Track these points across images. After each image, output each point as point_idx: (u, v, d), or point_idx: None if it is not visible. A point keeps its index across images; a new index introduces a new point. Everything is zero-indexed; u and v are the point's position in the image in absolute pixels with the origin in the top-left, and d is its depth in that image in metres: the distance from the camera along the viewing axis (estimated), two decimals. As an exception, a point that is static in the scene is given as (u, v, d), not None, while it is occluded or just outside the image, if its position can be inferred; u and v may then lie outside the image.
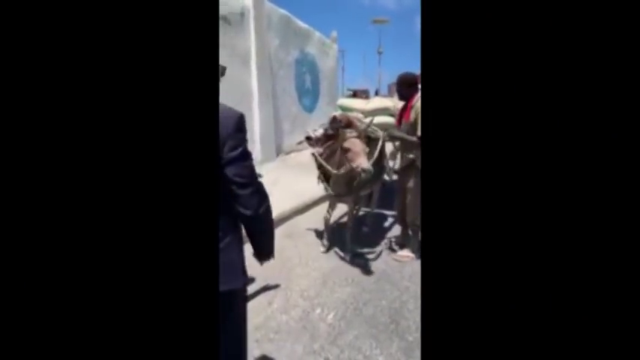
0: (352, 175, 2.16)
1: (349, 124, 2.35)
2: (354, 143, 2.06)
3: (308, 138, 2.47)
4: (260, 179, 0.90)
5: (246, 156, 0.85)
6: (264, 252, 0.99)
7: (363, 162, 1.97)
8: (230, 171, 0.81)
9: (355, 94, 4.38)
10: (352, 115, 2.58)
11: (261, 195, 0.87)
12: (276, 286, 2.16)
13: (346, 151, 2.07)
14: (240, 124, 0.83)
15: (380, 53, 19.81)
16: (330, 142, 2.39)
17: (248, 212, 0.85)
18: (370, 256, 2.61)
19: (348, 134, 2.12)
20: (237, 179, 0.82)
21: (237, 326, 0.97)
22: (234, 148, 0.81)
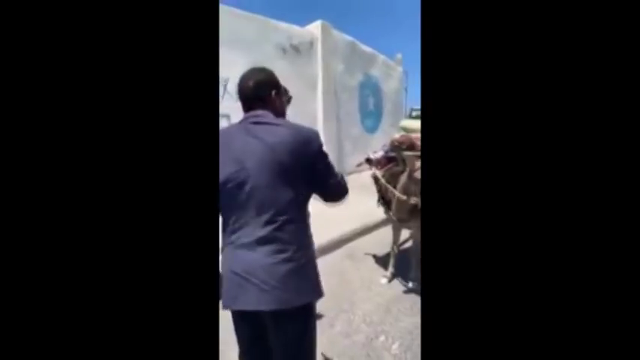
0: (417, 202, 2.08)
1: (411, 146, 2.28)
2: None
3: (368, 160, 2.46)
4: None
5: (332, 166, 0.97)
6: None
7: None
8: (325, 176, 0.95)
9: None
10: (415, 135, 2.52)
11: (345, 188, 1.03)
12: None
13: (418, 182, 1.99)
14: (320, 139, 0.93)
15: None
16: (391, 164, 2.35)
17: (338, 199, 1.02)
18: (437, 286, 2.46)
19: (418, 164, 2.04)
20: (333, 179, 0.97)
21: (312, 341, 0.98)
22: (322, 159, 0.93)
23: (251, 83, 0.95)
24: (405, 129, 3.06)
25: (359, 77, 6.69)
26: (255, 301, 0.85)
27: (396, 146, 2.22)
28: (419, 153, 2.10)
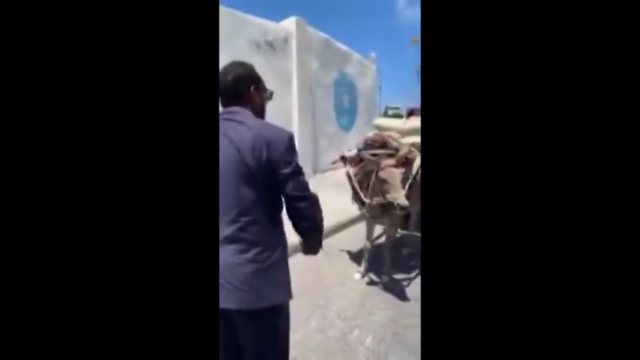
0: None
1: (384, 145, 2.32)
2: (392, 175, 1.99)
3: (342, 158, 2.49)
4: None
5: (300, 171, 0.89)
6: (315, 250, 1.05)
7: (400, 197, 1.89)
8: (287, 187, 0.87)
9: (412, 113, 4.35)
10: (388, 134, 2.57)
11: (318, 206, 0.95)
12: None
13: (383, 182, 2.00)
14: (291, 143, 0.88)
15: (418, 72, 19.75)
16: (364, 162, 2.39)
17: (308, 224, 0.93)
18: (409, 280, 2.53)
19: (385, 162, 2.06)
20: (295, 193, 0.87)
21: (281, 342, 0.97)
22: (288, 164, 0.86)
23: (229, 78, 0.92)
24: (378, 127, 3.11)
25: (334, 75, 6.71)
26: (220, 299, 0.85)
27: (369, 144, 2.26)
28: (391, 151, 2.14)
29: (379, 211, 2.33)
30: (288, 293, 0.94)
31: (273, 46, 4.94)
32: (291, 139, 0.89)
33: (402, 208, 1.87)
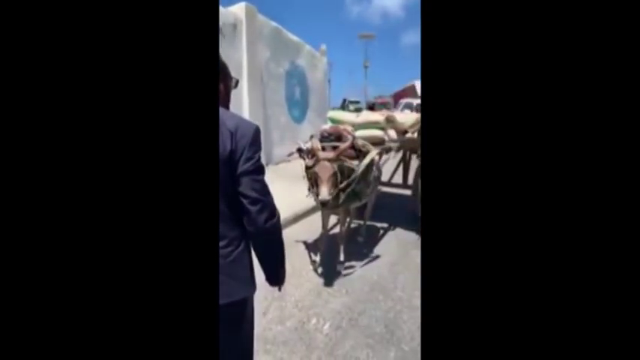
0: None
1: (339, 137, 2.40)
2: (323, 169, 2.09)
3: (299, 150, 2.51)
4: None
5: (260, 170, 0.84)
6: (274, 275, 0.96)
7: (323, 192, 2.01)
8: (243, 183, 0.81)
9: (373, 107, 4.51)
10: (343, 127, 2.63)
11: (269, 212, 0.84)
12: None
13: (315, 176, 2.10)
14: (256, 137, 0.84)
15: (366, 67, 20.30)
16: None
17: (252, 228, 0.84)
18: (363, 267, 2.64)
19: (322, 156, 2.14)
20: (249, 193, 0.81)
21: (247, 336, 0.96)
22: (248, 160, 0.81)
23: None
24: (332, 120, 3.17)
25: (285, 65, 6.62)
26: None
27: (325, 137, 2.30)
28: (331, 155, 2.19)
29: (332, 202, 2.39)
30: (251, 287, 0.91)
31: (221, 33, 4.71)
32: (256, 132, 0.84)
33: (322, 203, 1.98)
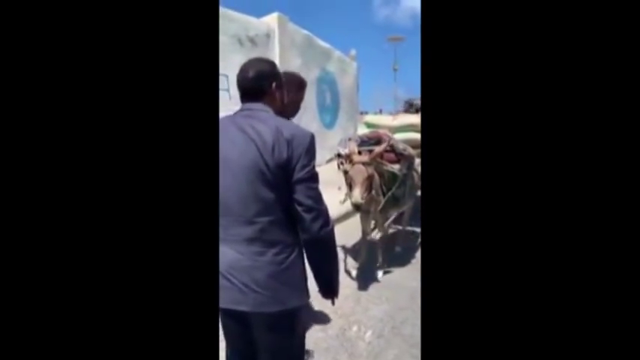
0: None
1: (379, 142, 2.38)
2: (358, 172, 2.06)
3: (339, 155, 2.51)
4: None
5: (315, 178, 0.84)
6: (328, 286, 0.93)
7: (356, 194, 1.98)
8: (298, 191, 0.82)
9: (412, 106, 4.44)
10: (383, 131, 2.60)
11: (324, 220, 0.84)
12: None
13: (350, 179, 2.07)
14: (311, 145, 0.84)
15: (395, 70, 20.03)
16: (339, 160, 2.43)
17: (306, 236, 0.84)
18: (402, 274, 2.57)
19: (357, 159, 2.12)
20: (304, 200, 0.81)
21: (296, 346, 0.95)
22: (304, 167, 0.82)
23: (250, 74, 0.89)
24: (368, 124, 3.14)
25: (316, 72, 6.67)
26: (235, 301, 0.83)
27: (365, 141, 2.29)
28: (365, 158, 2.15)
29: (369, 207, 2.36)
30: (305, 295, 0.91)
31: (255, 42, 4.84)
32: (311, 140, 0.85)
33: (356, 206, 1.95)
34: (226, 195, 0.82)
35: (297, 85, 1.44)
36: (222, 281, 0.83)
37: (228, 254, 0.83)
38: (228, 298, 0.83)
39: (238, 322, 0.90)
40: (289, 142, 0.81)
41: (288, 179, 0.82)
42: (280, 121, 0.87)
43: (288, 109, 1.31)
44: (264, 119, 0.85)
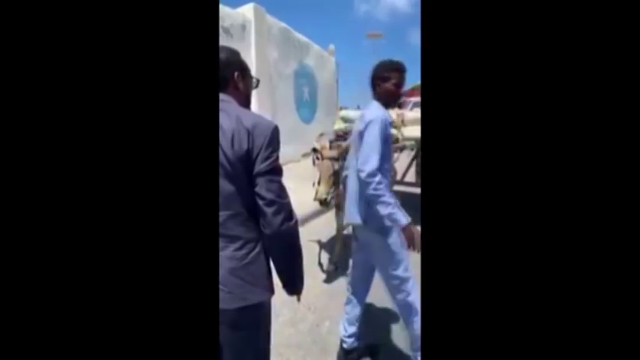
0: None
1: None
2: (325, 167, 2.06)
3: (314, 150, 2.48)
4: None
5: (277, 171, 0.81)
6: (290, 283, 0.91)
7: (321, 190, 2.00)
8: (259, 184, 0.78)
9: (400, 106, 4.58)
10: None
11: (286, 214, 0.80)
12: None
13: (318, 175, 2.09)
14: (273, 136, 0.81)
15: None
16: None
17: (267, 230, 0.80)
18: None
19: (326, 154, 2.11)
20: (265, 194, 0.78)
21: (263, 341, 0.93)
22: (265, 159, 0.79)
23: None
24: (345, 119, 3.13)
25: (293, 66, 6.60)
26: None
27: (340, 136, 2.28)
28: (335, 153, 2.14)
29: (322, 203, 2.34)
30: (268, 291, 0.88)
31: (230, 33, 4.71)
32: (274, 131, 0.81)
33: (320, 202, 1.95)
34: None
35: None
36: None
37: None
38: None
39: None
40: (250, 133, 0.77)
41: (248, 172, 0.79)
42: (242, 111, 0.83)
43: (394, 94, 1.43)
44: (225, 109, 0.81)
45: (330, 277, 2.43)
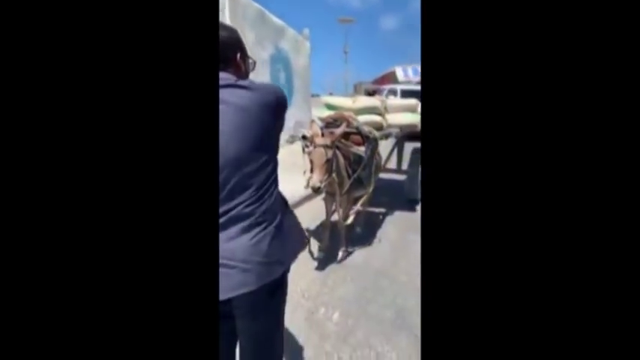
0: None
1: (348, 124, 2.36)
2: (317, 155, 2.05)
3: (304, 137, 2.45)
4: None
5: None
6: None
7: (314, 178, 1.99)
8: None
9: (373, 94, 4.55)
10: (348, 113, 2.59)
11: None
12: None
13: (310, 162, 2.07)
14: (285, 97, 0.86)
15: (346, 52, 20.06)
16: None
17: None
18: (364, 254, 2.65)
19: (318, 141, 2.10)
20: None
21: (279, 318, 0.94)
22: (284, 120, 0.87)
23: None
24: (329, 106, 3.10)
25: (270, 49, 6.42)
26: (237, 285, 0.76)
27: (330, 123, 2.25)
28: (328, 141, 2.13)
29: (334, 189, 2.36)
30: (305, 240, 0.99)
31: (204, 14, 4.49)
32: (284, 92, 0.87)
33: (314, 189, 1.97)
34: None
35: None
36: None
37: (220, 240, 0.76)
38: (227, 286, 0.75)
39: (226, 318, 0.84)
40: (277, 100, 0.82)
41: (269, 147, 0.83)
42: (257, 84, 0.81)
43: None
44: (244, 86, 0.77)
45: (321, 264, 2.45)
